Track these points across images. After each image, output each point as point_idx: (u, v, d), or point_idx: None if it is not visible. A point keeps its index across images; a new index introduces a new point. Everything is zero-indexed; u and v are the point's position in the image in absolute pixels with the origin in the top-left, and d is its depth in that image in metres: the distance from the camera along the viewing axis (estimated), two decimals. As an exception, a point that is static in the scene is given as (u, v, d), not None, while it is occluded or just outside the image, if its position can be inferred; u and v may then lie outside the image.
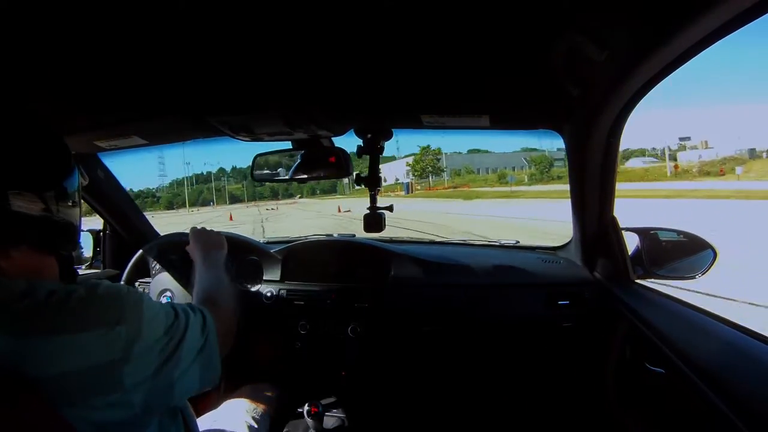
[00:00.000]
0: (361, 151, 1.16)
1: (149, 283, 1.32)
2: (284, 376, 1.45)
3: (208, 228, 1.12)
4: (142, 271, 1.25)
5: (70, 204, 0.60)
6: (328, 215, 18.88)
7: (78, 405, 0.49)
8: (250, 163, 1.25)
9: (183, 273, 1.45)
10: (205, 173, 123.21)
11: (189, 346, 0.61)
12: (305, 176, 1.19)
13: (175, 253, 1.45)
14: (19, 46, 0.72)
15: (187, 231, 1.32)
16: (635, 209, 8.49)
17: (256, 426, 1.07)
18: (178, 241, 1.35)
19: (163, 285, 1.26)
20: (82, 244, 1.59)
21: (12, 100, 0.60)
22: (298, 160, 1.20)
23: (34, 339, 0.48)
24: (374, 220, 1.17)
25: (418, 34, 0.73)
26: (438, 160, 52.25)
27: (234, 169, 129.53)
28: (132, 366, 0.52)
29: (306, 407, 1.39)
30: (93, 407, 0.50)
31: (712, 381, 0.62)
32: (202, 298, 0.80)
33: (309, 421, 1.36)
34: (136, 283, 1.25)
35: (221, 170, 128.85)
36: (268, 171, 1.23)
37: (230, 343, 0.76)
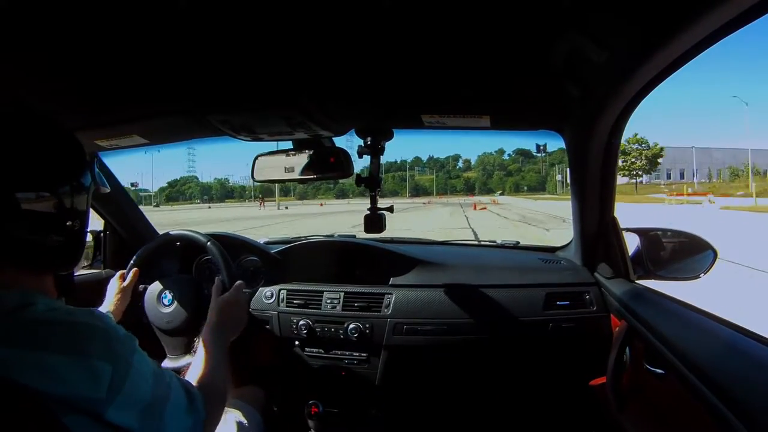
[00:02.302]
0: (361, 151, 1.16)
1: (148, 284, 1.32)
2: (284, 376, 1.45)
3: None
4: (143, 272, 1.25)
5: (73, 223, 0.58)
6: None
7: (73, 416, 0.48)
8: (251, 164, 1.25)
9: (182, 273, 1.45)
10: (399, 161, 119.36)
11: (172, 413, 0.59)
12: (305, 176, 1.19)
13: (173, 253, 1.45)
14: (19, 45, 0.73)
15: (186, 231, 1.33)
16: None
17: (246, 424, 1.06)
18: (175, 240, 1.35)
19: (162, 286, 1.26)
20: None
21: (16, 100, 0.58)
22: (300, 161, 1.20)
23: (20, 352, 0.48)
24: (375, 220, 1.17)
25: (419, 34, 0.73)
26: None
27: (431, 158, 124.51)
28: (116, 411, 0.51)
29: (306, 408, 1.40)
30: (87, 424, 0.49)
31: (712, 382, 0.62)
32: (201, 379, 0.73)
33: (310, 422, 1.36)
34: (140, 287, 1.25)
35: (417, 159, 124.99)
36: (269, 171, 1.23)
37: (216, 424, 0.72)
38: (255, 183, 1.31)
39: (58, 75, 0.87)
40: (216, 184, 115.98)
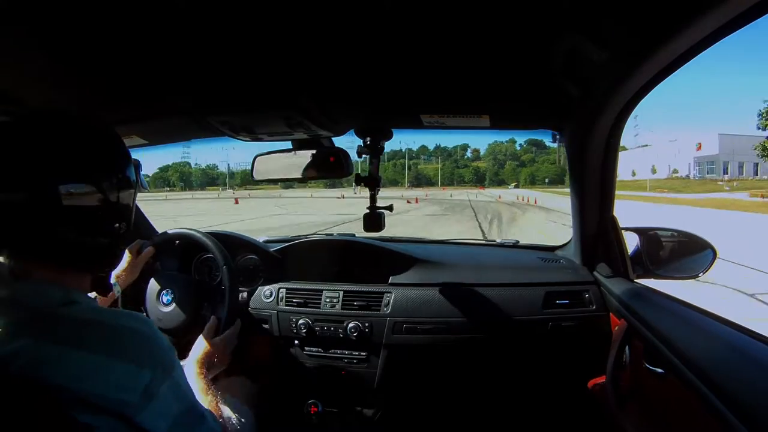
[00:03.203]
0: (361, 151, 1.16)
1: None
2: (283, 376, 1.45)
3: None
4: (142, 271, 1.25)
5: (120, 226, 0.58)
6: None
7: (102, 416, 0.49)
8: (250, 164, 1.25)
9: (181, 271, 1.45)
10: (403, 149, 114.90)
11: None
12: (305, 176, 1.19)
13: (172, 252, 1.45)
14: (17, 46, 0.72)
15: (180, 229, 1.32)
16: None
17: (233, 420, 1.05)
18: (172, 238, 1.35)
19: (161, 284, 1.26)
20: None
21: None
22: (300, 160, 1.20)
23: (61, 348, 0.48)
24: (374, 219, 1.18)
25: (419, 34, 0.73)
26: None
27: (438, 147, 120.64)
28: (148, 417, 0.51)
29: (306, 407, 1.40)
30: (116, 425, 0.50)
31: (712, 381, 0.62)
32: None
33: (309, 421, 1.36)
34: (156, 264, 1.26)
35: (423, 147, 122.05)
36: (268, 171, 1.23)
37: None
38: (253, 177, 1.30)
39: (56, 75, 0.87)
40: (197, 171, 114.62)
